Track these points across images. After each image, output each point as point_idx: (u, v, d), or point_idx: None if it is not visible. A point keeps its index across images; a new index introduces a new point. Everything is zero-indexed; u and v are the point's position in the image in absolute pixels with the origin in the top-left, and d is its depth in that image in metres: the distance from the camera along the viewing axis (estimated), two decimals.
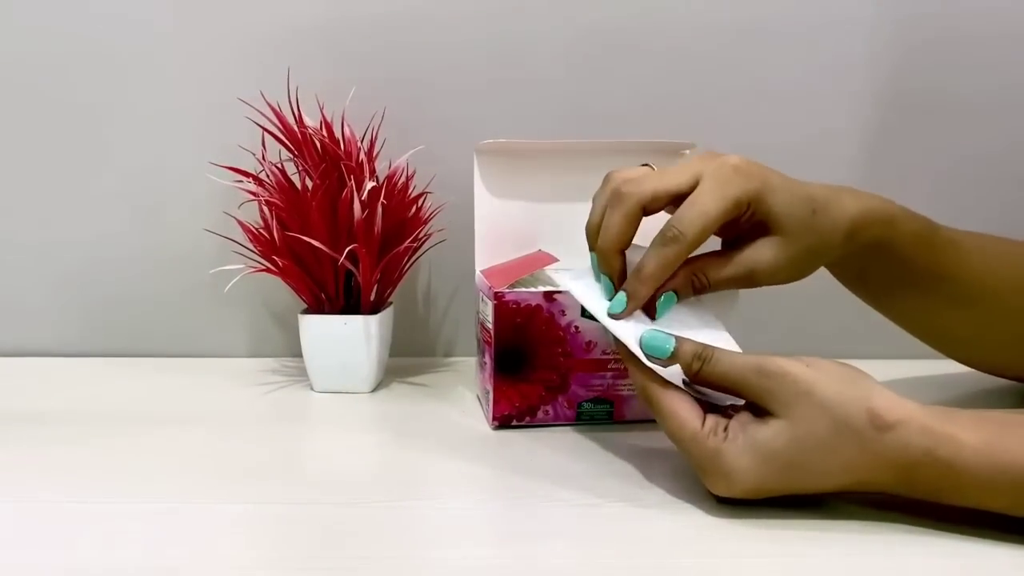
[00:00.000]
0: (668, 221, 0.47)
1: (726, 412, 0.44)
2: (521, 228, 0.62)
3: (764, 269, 0.48)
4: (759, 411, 0.42)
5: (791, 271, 0.49)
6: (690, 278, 0.48)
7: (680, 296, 0.48)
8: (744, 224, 0.48)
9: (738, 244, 0.49)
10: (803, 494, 0.42)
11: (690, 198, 0.46)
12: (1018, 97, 0.75)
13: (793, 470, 0.41)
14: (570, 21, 0.73)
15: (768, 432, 0.41)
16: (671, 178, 0.47)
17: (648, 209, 0.48)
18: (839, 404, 0.40)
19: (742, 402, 0.44)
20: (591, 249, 0.50)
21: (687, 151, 0.64)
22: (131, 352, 0.76)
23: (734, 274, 0.48)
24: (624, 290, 0.48)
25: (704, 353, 0.44)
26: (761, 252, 0.48)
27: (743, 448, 0.41)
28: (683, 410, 0.44)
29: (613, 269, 0.49)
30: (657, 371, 0.45)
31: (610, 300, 0.48)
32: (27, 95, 0.74)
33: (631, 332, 0.46)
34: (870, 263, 0.54)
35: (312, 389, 0.66)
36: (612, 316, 0.48)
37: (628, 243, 0.48)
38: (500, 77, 0.73)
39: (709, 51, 0.74)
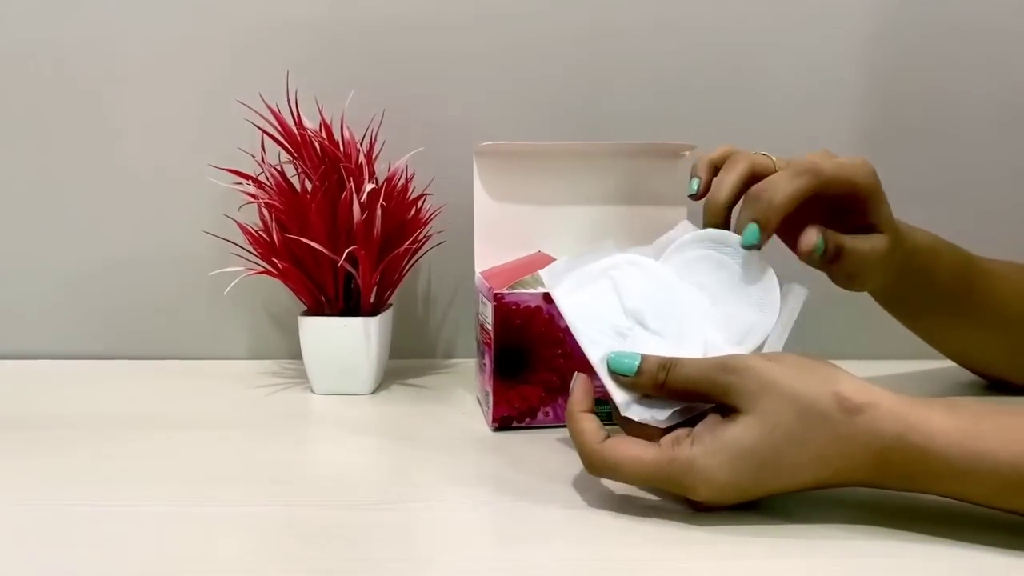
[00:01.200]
0: (802, 160, 0.49)
1: (682, 427, 0.44)
2: (520, 230, 0.62)
3: (875, 255, 0.51)
4: (726, 411, 0.42)
5: (883, 271, 0.53)
6: (817, 229, 0.49)
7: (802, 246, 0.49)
8: (856, 219, 0.52)
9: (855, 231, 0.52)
10: (782, 492, 0.42)
11: (828, 153, 0.51)
12: (1017, 103, 0.75)
13: (767, 467, 0.41)
14: (569, 24, 0.73)
15: (737, 429, 0.41)
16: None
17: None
18: (804, 391, 0.40)
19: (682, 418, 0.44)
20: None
21: (686, 153, 0.64)
22: (131, 355, 0.76)
23: (856, 245, 0.51)
24: (755, 220, 0.48)
25: (667, 362, 0.44)
26: (876, 241, 0.52)
27: (713, 449, 0.41)
28: (632, 449, 0.43)
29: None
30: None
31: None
32: (27, 98, 0.74)
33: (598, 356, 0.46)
34: (912, 289, 0.57)
35: (312, 391, 0.66)
36: (748, 247, 0.48)
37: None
38: (499, 80, 0.74)
39: (708, 53, 0.74)
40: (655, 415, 0.45)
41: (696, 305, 0.49)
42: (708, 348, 0.47)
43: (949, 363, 0.65)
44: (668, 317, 0.48)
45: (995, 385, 0.65)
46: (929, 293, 0.58)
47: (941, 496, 0.40)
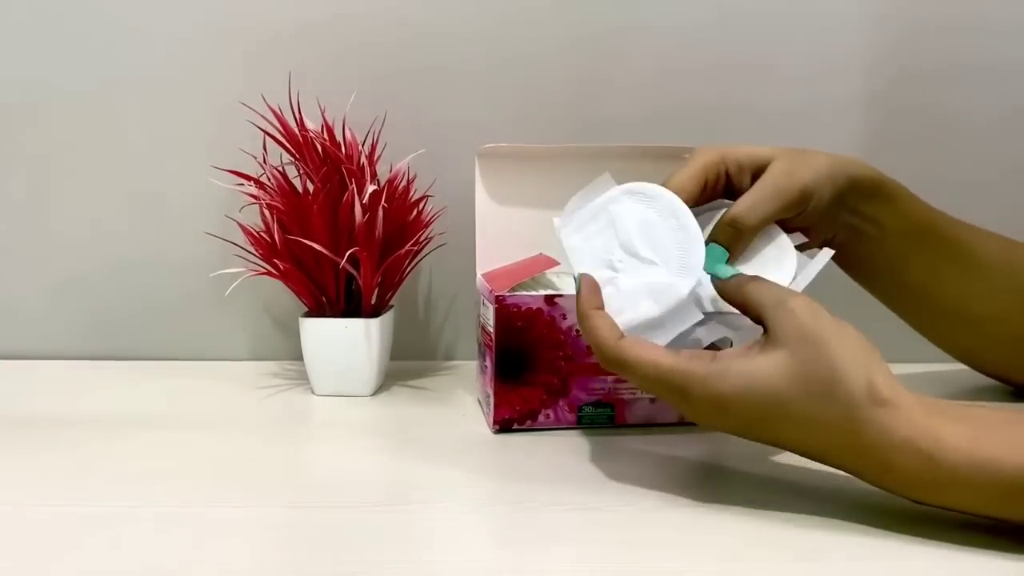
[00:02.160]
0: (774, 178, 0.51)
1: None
2: (522, 232, 0.62)
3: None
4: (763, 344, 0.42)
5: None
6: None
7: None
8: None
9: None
10: (772, 444, 0.43)
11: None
12: (1017, 111, 0.75)
13: (771, 415, 0.41)
14: (571, 26, 0.73)
15: (765, 362, 0.41)
16: None
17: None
18: (844, 363, 0.40)
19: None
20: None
21: (687, 155, 0.64)
22: (132, 355, 0.75)
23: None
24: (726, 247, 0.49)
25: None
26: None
27: (733, 372, 0.41)
28: (647, 352, 0.43)
29: None
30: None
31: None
32: (27, 98, 0.74)
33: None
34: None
35: (313, 392, 0.66)
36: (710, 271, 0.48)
37: None
38: (501, 81, 0.74)
39: (710, 56, 0.74)
40: (653, 336, 0.45)
41: (698, 231, 0.48)
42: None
43: (963, 367, 0.65)
44: (664, 247, 0.48)
45: (1020, 392, 0.64)
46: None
47: (945, 509, 0.40)
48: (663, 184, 0.50)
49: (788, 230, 0.51)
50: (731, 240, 0.49)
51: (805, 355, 0.40)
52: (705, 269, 0.47)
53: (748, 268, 0.49)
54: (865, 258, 0.57)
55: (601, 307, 0.46)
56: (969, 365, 0.65)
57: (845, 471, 0.42)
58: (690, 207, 0.49)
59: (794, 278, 0.48)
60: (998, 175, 0.76)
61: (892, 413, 0.39)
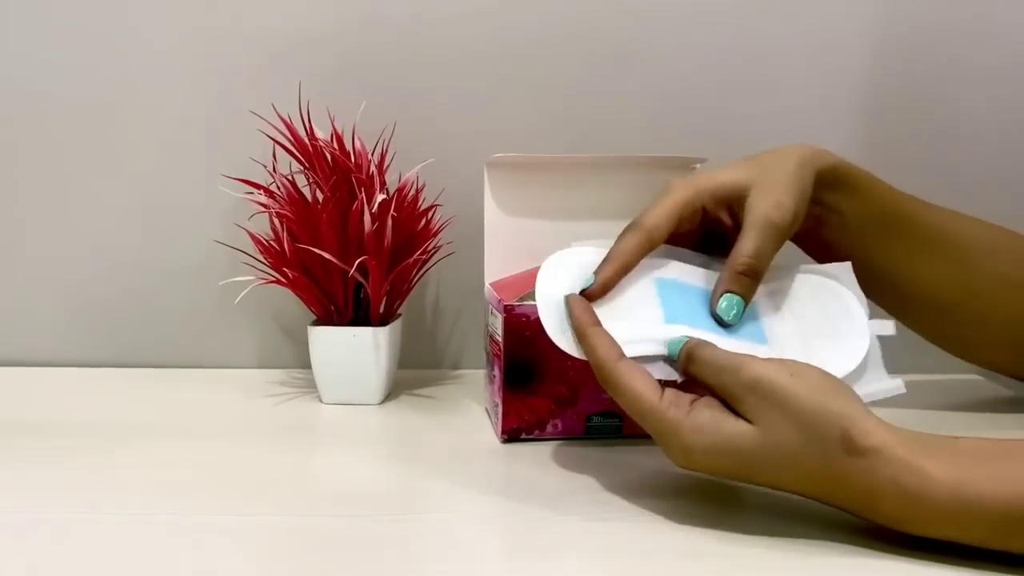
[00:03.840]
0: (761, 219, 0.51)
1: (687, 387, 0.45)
2: (531, 241, 0.62)
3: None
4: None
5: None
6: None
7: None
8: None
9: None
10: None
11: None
12: (1018, 118, 0.75)
13: (748, 467, 0.41)
14: (582, 37, 0.73)
15: (736, 428, 0.41)
16: None
17: None
18: (814, 419, 0.40)
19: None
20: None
21: (697, 166, 0.64)
22: (140, 363, 0.76)
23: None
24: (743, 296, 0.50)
25: (693, 349, 0.45)
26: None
27: (705, 430, 0.41)
28: (638, 383, 0.44)
29: None
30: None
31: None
32: (37, 105, 0.74)
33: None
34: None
35: (321, 401, 0.66)
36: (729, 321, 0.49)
37: None
38: (511, 92, 0.74)
39: (720, 66, 0.74)
40: (647, 367, 0.46)
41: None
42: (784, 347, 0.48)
43: (973, 376, 0.65)
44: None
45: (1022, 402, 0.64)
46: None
47: (931, 538, 0.39)
48: (637, 221, 0.50)
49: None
50: (749, 290, 0.49)
51: (772, 423, 0.40)
52: (731, 320, 0.48)
53: (815, 344, 0.49)
54: (828, 245, 0.56)
55: (597, 323, 0.46)
56: (953, 353, 0.63)
57: (848, 512, 0.42)
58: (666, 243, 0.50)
59: (853, 371, 0.48)
60: (998, 174, 0.76)
61: (872, 459, 0.39)
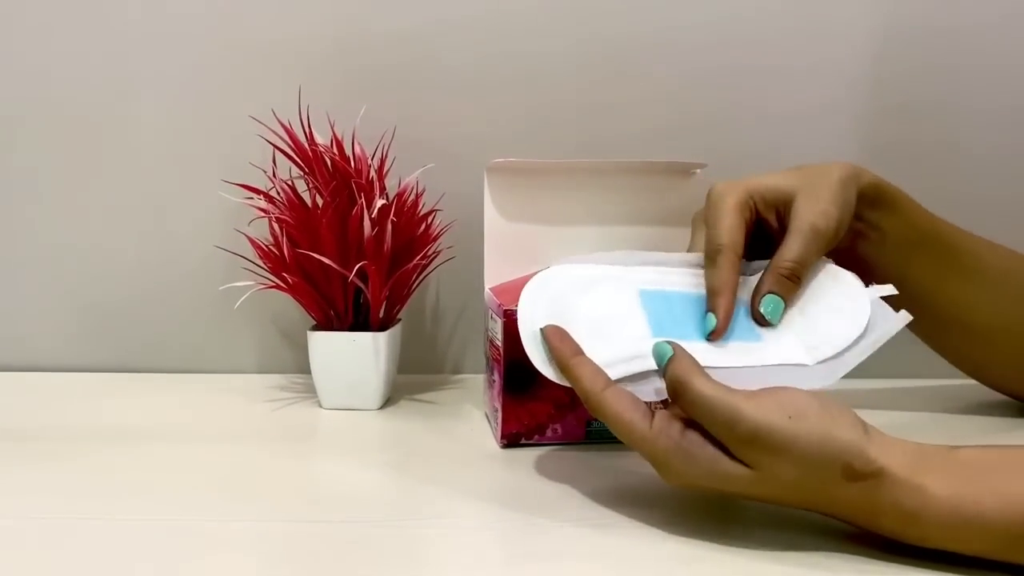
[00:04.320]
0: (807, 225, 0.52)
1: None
2: (530, 246, 0.62)
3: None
4: None
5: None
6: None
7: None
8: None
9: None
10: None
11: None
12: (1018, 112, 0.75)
13: (747, 494, 0.41)
14: (582, 42, 0.74)
15: (732, 469, 0.40)
16: None
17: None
18: (817, 459, 0.39)
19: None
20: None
21: (697, 171, 0.64)
22: (140, 368, 0.76)
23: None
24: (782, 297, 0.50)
25: (680, 382, 0.42)
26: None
27: (700, 463, 0.41)
28: (626, 412, 0.43)
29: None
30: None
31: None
32: (38, 108, 0.74)
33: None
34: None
35: (320, 406, 0.66)
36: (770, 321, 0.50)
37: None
38: (510, 96, 0.74)
39: (720, 72, 0.74)
40: (637, 388, 0.45)
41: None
42: (781, 349, 0.48)
43: (970, 381, 0.65)
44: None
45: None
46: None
47: (930, 548, 0.39)
48: (709, 240, 0.51)
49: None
50: (791, 292, 0.50)
51: (772, 467, 0.40)
52: (773, 321, 0.49)
53: (814, 316, 0.49)
54: (867, 263, 0.57)
55: (578, 352, 0.46)
56: (975, 378, 0.64)
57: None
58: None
59: (863, 333, 0.48)
60: (1000, 177, 0.76)
61: (872, 483, 0.39)
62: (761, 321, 0.49)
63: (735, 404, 0.40)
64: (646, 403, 0.44)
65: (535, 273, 0.57)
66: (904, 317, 0.49)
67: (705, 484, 0.42)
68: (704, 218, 0.53)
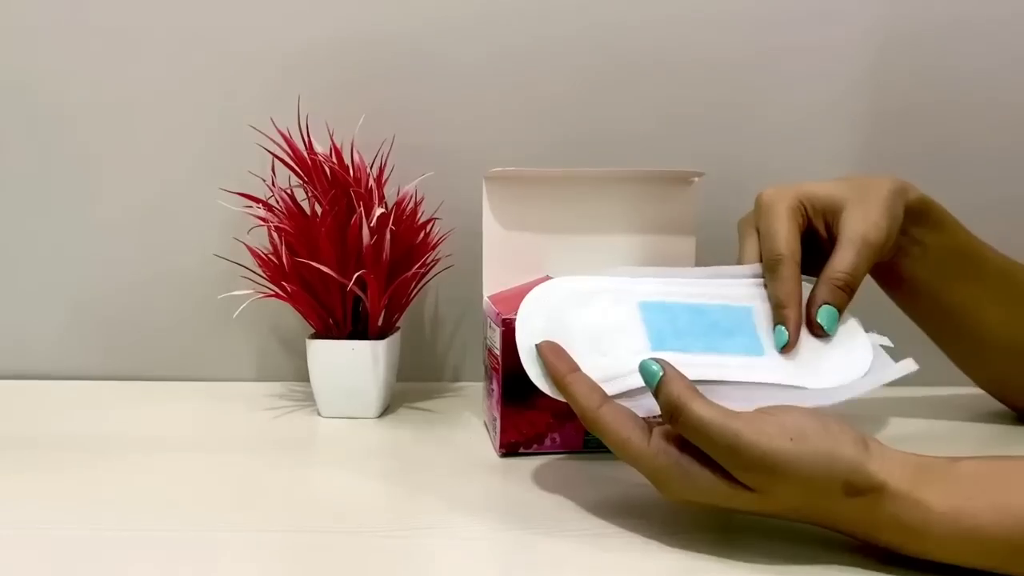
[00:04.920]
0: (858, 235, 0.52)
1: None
2: (529, 255, 0.63)
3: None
4: None
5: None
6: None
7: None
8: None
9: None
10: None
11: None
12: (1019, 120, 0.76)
13: (747, 511, 0.41)
14: (581, 51, 0.74)
15: (733, 493, 0.40)
16: None
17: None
18: (820, 480, 0.39)
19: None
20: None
21: (695, 179, 0.64)
22: (139, 376, 0.76)
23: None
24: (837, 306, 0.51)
25: (677, 405, 0.41)
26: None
27: (699, 484, 0.41)
28: (623, 429, 0.43)
29: None
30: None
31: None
32: (36, 119, 0.74)
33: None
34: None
35: (319, 414, 0.66)
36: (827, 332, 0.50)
37: None
38: (510, 105, 0.74)
39: (720, 81, 0.74)
40: (635, 404, 0.45)
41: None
42: (783, 369, 0.49)
43: (979, 391, 0.65)
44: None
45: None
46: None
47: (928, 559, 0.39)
48: (768, 250, 0.51)
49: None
50: (844, 303, 0.50)
51: (774, 489, 0.40)
52: (830, 332, 0.50)
53: (818, 348, 0.50)
54: (908, 278, 0.57)
55: (574, 369, 0.46)
56: (999, 398, 0.64)
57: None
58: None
59: (865, 373, 0.49)
60: (1000, 178, 0.76)
61: (875, 498, 0.39)
62: (818, 332, 0.50)
63: (736, 431, 0.39)
64: (644, 419, 0.44)
65: (534, 282, 0.57)
66: (909, 365, 0.49)
67: (705, 501, 0.41)
68: (757, 225, 0.53)
